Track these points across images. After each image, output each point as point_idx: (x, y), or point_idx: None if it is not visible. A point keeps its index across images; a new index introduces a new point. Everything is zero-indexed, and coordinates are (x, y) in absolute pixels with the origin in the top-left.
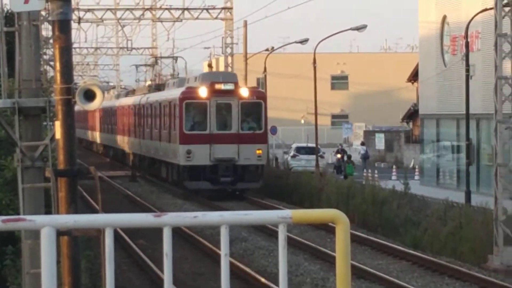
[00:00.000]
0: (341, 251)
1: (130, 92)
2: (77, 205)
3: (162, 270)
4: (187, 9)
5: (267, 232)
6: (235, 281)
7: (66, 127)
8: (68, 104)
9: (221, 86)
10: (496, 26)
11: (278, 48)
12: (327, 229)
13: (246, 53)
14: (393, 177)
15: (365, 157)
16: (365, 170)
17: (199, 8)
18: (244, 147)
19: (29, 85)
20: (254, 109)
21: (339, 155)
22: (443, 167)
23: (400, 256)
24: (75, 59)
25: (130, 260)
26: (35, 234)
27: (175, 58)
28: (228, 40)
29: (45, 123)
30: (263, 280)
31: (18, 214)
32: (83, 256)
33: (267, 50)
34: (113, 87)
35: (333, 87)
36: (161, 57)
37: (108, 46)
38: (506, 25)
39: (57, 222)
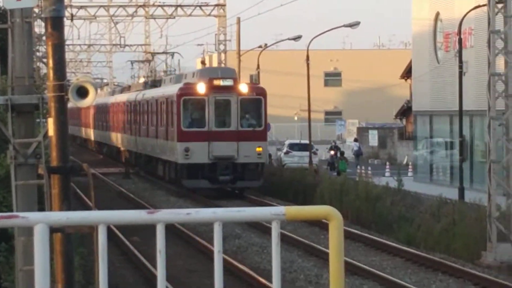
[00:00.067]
0: (334, 247)
1: (125, 89)
2: (70, 202)
3: (155, 267)
4: (180, 6)
5: (261, 229)
6: (228, 278)
7: (59, 124)
8: (61, 101)
9: (220, 82)
10: (489, 23)
11: (271, 45)
12: (321, 225)
13: (239, 50)
14: (387, 174)
15: (358, 153)
16: (358, 167)
17: (192, 5)
18: (243, 145)
19: (22, 82)
20: (254, 106)
21: (332, 152)
22: (436, 163)
23: (394, 253)
24: (68, 56)
25: (123, 257)
26: (28, 231)
27: (171, 54)
28: (221, 37)
29: (38, 120)
30: (256, 276)
31: (11, 211)
32: (77, 253)
33: (260, 47)
34: (106, 84)
35: (326, 84)
36: (158, 53)
37: (101, 43)
38: (499, 22)
39: (50, 219)
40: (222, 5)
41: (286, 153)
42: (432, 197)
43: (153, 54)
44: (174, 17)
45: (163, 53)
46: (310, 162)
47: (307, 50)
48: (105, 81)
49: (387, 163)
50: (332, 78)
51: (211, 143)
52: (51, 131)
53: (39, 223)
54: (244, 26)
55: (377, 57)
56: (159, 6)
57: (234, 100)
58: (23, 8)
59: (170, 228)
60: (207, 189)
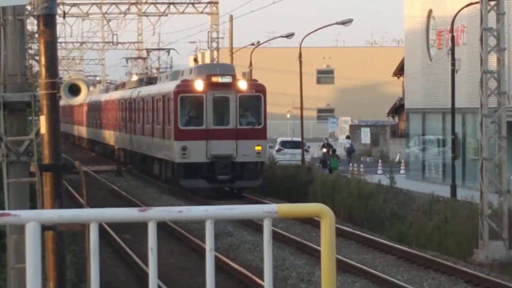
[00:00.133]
0: (326, 245)
1: (120, 86)
2: (62, 200)
3: (147, 265)
4: (173, 3)
5: (253, 226)
6: (220, 276)
7: (51, 122)
8: (53, 99)
9: (218, 79)
10: (481, 20)
11: (264, 43)
12: (313, 223)
13: (232, 47)
14: (379, 171)
15: (350, 151)
16: (350, 164)
17: (184, 3)
18: (242, 143)
19: (14, 79)
20: (253, 103)
21: (324, 149)
22: (428, 161)
23: (386, 250)
24: (61, 53)
25: (115, 255)
26: (20, 229)
27: (167, 50)
28: (214, 35)
29: (30, 118)
30: (248, 274)
31: (3, 209)
32: (69, 251)
33: (253, 44)
34: (99, 82)
35: (318, 81)
36: (154, 49)
37: (94, 41)
38: (492, 19)
39: (42, 217)
40: (215, 3)
41: (278, 150)
42: (424, 195)
43: (149, 50)
44: (166, 15)
45: (159, 49)
46: (303, 159)
47: (300, 47)
48: (98, 78)
49: (380, 161)
50: (325, 76)
51: (209, 141)
52: (43, 129)
53: (31, 221)
54: (236, 23)
55: (370, 54)
56: (151, 3)
57: (233, 97)
58: (16, 6)
59: (162, 226)
60: (205, 189)
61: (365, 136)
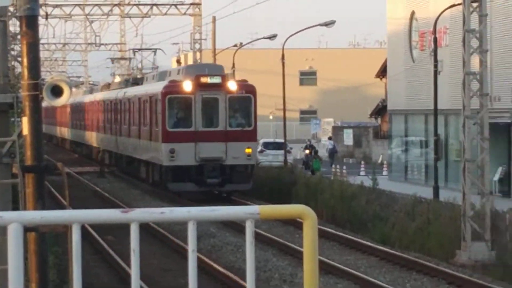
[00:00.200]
0: (308, 246)
1: (105, 87)
2: (44, 201)
3: (129, 266)
4: (156, 4)
5: (236, 228)
6: (203, 277)
7: (33, 123)
8: (36, 100)
9: (207, 80)
10: (464, 21)
11: (246, 44)
12: (296, 224)
13: (214, 48)
14: (362, 173)
15: (332, 152)
16: (333, 166)
17: (167, 4)
18: (232, 146)
19: None
20: (243, 104)
21: (307, 151)
22: (411, 162)
23: (368, 252)
24: (43, 55)
25: (98, 256)
26: (2, 230)
27: (154, 51)
28: (197, 36)
29: (12, 119)
30: (231, 275)
31: None
32: (51, 252)
33: (235, 46)
34: (82, 83)
35: (301, 82)
36: (140, 49)
37: (77, 42)
38: (474, 21)
39: (24, 218)
40: (198, 4)
41: (261, 151)
42: (406, 196)
43: (135, 50)
44: (149, 16)
45: (146, 49)
46: (285, 161)
47: (283, 49)
48: (81, 79)
49: (362, 162)
50: (308, 77)
51: (198, 144)
52: (25, 130)
53: (13, 222)
54: (219, 25)
55: (353, 56)
56: (134, 5)
57: (222, 98)
58: None
59: (145, 227)
60: (194, 193)
61: (348, 137)
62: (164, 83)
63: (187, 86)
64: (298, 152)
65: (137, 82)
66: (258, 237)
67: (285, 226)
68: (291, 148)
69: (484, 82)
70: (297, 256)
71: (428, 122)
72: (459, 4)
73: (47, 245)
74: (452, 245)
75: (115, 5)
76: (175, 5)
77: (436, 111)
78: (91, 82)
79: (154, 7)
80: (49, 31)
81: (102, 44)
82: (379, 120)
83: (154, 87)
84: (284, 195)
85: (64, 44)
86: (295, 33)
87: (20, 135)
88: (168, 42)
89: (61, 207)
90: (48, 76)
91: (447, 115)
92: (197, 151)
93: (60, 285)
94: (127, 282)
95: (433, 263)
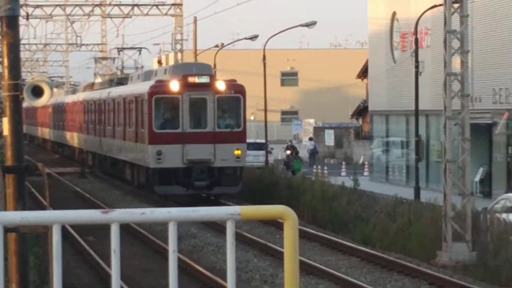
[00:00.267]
0: (289, 247)
1: (88, 87)
2: (25, 202)
3: (110, 267)
4: (137, 5)
5: (217, 228)
6: (184, 278)
7: (14, 124)
8: (16, 101)
9: (195, 79)
10: (445, 22)
11: (228, 45)
12: (277, 225)
13: (196, 49)
14: (343, 173)
15: (313, 152)
16: (314, 166)
17: (148, 4)
18: (220, 147)
19: None
20: (232, 105)
21: (289, 152)
22: (392, 163)
23: (349, 252)
24: (24, 55)
25: (78, 257)
26: None
27: (139, 50)
28: (178, 37)
29: None
30: (212, 276)
31: None
32: (32, 253)
33: (217, 46)
34: (63, 83)
35: (282, 83)
36: (125, 48)
37: (57, 43)
38: (455, 22)
39: (5, 219)
40: (179, 5)
41: None
42: (388, 197)
43: (120, 49)
44: (130, 16)
45: (130, 48)
46: (267, 161)
47: (264, 49)
48: (63, 79)
49: (343, 163)
50: (289, 78)
51: (185, 145)
52: (6, 131)
53: None
54: (200, 25)
55: (334, 56)
56: (115, 5)
57: (211, 98)
58: None
59: (126, 228)
60: (181, 196)
61: (329, 138)
62: (150, 83)
63: (174, 86)
64: (279, 153)
65: (121, 82)
66: (239, 238)
67: (266, 226)
68: (272, 149)
69: (465, 83)
70: (278, 256)
71: (409, 123)
72: (440, 5)
73: (27, 245)
74: (433, 245)
75: (96, 5)
76: (156, 5)
77: (417, 112)
78: (72, 83)
79: (135, 8)
80: (30, 31)
81: (83, 44)
82: (360, 120)
83: (140, 87)
84: (266, 196)
85: (45, 45)
86: (276, 34)
87: (0, 135)
88: (149, 42)
89: (41, 207)
90: (29, 76)
91: (428, 116)
92: (184, 153)
93: (41, 285)
94: (108, 282)
95: (414, 264)
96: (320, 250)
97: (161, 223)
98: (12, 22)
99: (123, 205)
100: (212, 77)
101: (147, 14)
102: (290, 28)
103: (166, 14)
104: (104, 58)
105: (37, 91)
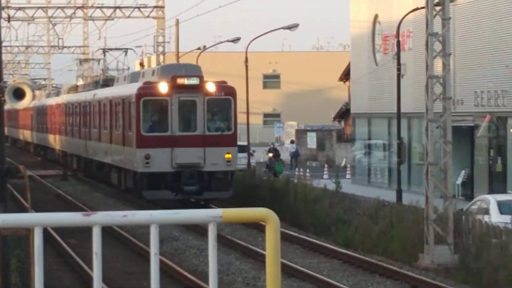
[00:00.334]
0: (271, 249)
1: (72, 89)
2: (6, 204)
3: (92, 269)
4: (119, 7)
5: (199, 231)
6: (166, 280)
7: None
8: None
9: (184, 81)
10: (427, 25)
11: (210, 47)
12: (259, 228)
13: (178, 52)
14: (325, 176)
15: (295, 155)
16: (296, 169)
17: (131, 7)
18: (210, 151)
19: None
20: (222, 107)
21: (271, 154)
22: (374, 166)
23: (332, 255)
24: (6, 57)
25: (60, 259)
26: None
27: (125, 50)
28: (160, 39)
29: None
30: (194, 279)
31: None
32: (13, 255)
33: (199, 49)
34: (45, 86)
35: (265, 86)
36: (111, 49)
37: (39, 45)
38: (437, 25)
39: None
40: (161, 7)
41: None
42: (370, 200)
43: (105, 50)
44: (112, 19)
45: (116, 49)
46: (249, 164)
47: (246, 52)
48: (45, 82)
49: (326, 165)
50: (271, 80)
51: (174, 149)
52: None
53: None
54: (183, 28)
55: (316, 59)
56: (97, 7)
57: (200, 100)
58: None
59: (108, 230)
60: (170, 201)
61: (311, 140)
62: (138, 84)
63: (163, 87)
64: (261, 155)
65: (107, 83)
66: (221, 241)
67: (248, 229)
68: (253, 151)
69: (447, 86)
70: (260, 259)
71: (391, 125)
72: (422, 8)
73: (9, 248)
74: (415, 248)
75: (78, 7)
76: (139, 8)
77: (399, 115)
78: (54, 85)
79: (118, 10)
80: (11, 33)
81: (65, 46)
82: (342, 123)
83: (127, 89)
84: (248, 198)
85: (27, 47)
86: (258, 36)
87: None
88: (131, 45)
89: (23, 210)
90: (10, 79)
91: (410, 119)
92: (173, 156)
93: None
94: (90, 285)
95: (396, 266)
96: (302, 252)
97: (143, 226)
98: None
99: (106, 208)
100: (202, 78)
101: (129, 17)
102: (272, 30)
103: (148, 17)
104: (88, 60)
105: (18, 94)
